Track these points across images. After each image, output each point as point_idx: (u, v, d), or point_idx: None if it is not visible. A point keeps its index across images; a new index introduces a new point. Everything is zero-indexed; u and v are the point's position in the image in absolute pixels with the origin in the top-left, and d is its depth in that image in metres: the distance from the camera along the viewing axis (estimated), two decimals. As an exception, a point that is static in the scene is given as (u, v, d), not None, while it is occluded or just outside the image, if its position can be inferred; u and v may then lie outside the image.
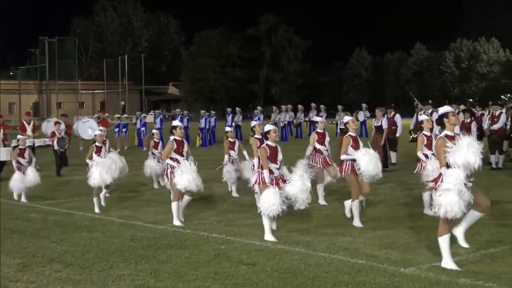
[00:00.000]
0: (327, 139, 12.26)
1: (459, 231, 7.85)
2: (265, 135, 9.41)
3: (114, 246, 8.80)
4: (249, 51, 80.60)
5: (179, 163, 10.21)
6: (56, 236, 9.64)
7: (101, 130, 12.81)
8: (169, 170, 10.35)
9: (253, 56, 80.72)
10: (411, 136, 15.93)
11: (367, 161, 9.58)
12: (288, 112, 33.47)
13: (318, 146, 12.12)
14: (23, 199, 13.42)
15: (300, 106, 34.68)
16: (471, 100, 64.04)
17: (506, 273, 6.91)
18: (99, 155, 12.26)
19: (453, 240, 7.33)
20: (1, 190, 14.39)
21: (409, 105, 38.13)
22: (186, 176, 9.95)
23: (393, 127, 17.78)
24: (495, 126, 17.05)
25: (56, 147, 18.61)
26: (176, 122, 10.78)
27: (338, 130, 17.05)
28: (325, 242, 8.69)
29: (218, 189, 13.76)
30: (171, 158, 10.36)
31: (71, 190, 15.44)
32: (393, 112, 18.27)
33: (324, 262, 7.55)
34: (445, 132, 7.30)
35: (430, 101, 20.43)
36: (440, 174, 7.09)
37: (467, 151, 6.82)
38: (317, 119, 12.80)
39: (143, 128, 29.54)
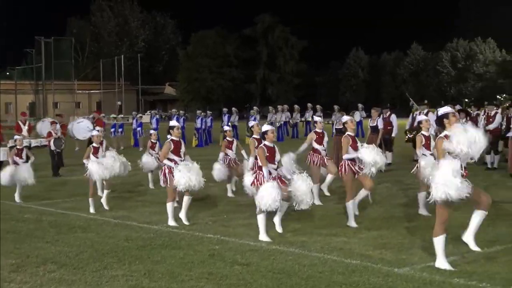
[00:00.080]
0: (326, 139, 12.31)
1: (468, 237, 7.72)
2: (263, 135, 9.42)
3: (108, 246, 8.79)
4: (246, 51, 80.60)
5: (177, 163, 10.20)
6: (51, 237, 9.62)
7: (98, 131, 12.76)
8: (166, 171, 10.34)
9: (249, 56, 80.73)
10: (407, 136, 15.95)
11: (371, 153, 9.82)
12: (284, 112, 33.46)
13: (316, 146, 12.15)
14: (17, 199, 13.38)
15: (296, 106, 34.66)
16: (466, 100, 64.10)
17: (499, 273, 6.92)
18: (96, 156, 12.25)
19: (447, 241, 7.33)
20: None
21: (406, 105, 38.12)
22: (186, 175, 9.94)
23: (388, 127, 17.83)
24: (491, 126, 17.08)
25: (52, 147, 18.57)
26: (173, 123, 10.76)
27: (334, 130, 17.04)
28: (320, 243, 8.70)
29: (214, 189, 13.74)
30: (169, 159, 10.36)
31: (67, 191, 15.41)
32: (388, 112, 18.32)
33: (318, 263, 7.56)
34: (445, 132, 7.32)
35: (425, 101, 20.42)
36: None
37: (472, 133, 6.83)
38: (317, 119, 12.83)
39: (139, 128, 29.55)
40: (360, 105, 33.43)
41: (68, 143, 20.50)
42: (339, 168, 10.21)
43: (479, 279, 6.64)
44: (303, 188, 8.98)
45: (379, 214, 10.68)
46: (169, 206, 10.33)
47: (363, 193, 10.44)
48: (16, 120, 30.46)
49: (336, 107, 31.14)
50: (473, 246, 7.73)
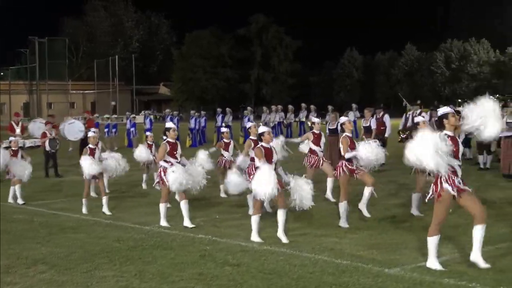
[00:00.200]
0: (323, 139, 12.34)
1: (475, 256, 7.21)
2: (259, 137, 9.40)
3: (99, 247, 8.78)
4: (240, 51, 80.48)
5: (173, 165, 10.19)
6: (41, 237, 9.61)
7: (94, 132, 12.71)
8: (162, 173, 10.31)
9: (244, 56, 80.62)
10: (400, 137, 15.96)
11: (368, 149, 9.97)
12: (278, 112, 33.43)
13: (313, 147, 12.17)
14: (9, 199, 13.34)
15: (290, 106, 34.62)
16: (459, 100, 64.21)
17: (490, 273, 6.93)
18: (93, 157, 12.22)
19: (441, 241, 7.32)
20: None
21: (400, 105, 38.11)
22: (180, 176, 9.92)
23: (382, 128, 17.82)
24: (483, 126, 17.06)
25: (47, 148, 18.51)
26: (169, 124, 10.75)
27: (328, 131, 17.03)
28: (311, 243, 8.71)
29: (207, 189, 13.70)
30: (165, 161, 10.34)
31: (59, 191, 15.38)
32: (382, 113, 18.31)
33: (309, 263, 7.56)
34: (445, 132, 7.35)
35: (418, 102, 20.45)
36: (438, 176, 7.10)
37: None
38: (315, 120, 12.86)
39: (132, 129, 29.49)
40: (354, 105, 33.37)
41: (62, 143, 20.43)
42: (336, 169, 10.28)
43: (469, 279, 6.66)
44: (305, 187, 9.00)
45: (371, 215, 10.68)
46: (162, 207, 10.33)
47: (366, 191, 10.47)
48: (9, 121, 30.35)
49: (330, 107, 31.14)
50: (482, 264, 7.15)
